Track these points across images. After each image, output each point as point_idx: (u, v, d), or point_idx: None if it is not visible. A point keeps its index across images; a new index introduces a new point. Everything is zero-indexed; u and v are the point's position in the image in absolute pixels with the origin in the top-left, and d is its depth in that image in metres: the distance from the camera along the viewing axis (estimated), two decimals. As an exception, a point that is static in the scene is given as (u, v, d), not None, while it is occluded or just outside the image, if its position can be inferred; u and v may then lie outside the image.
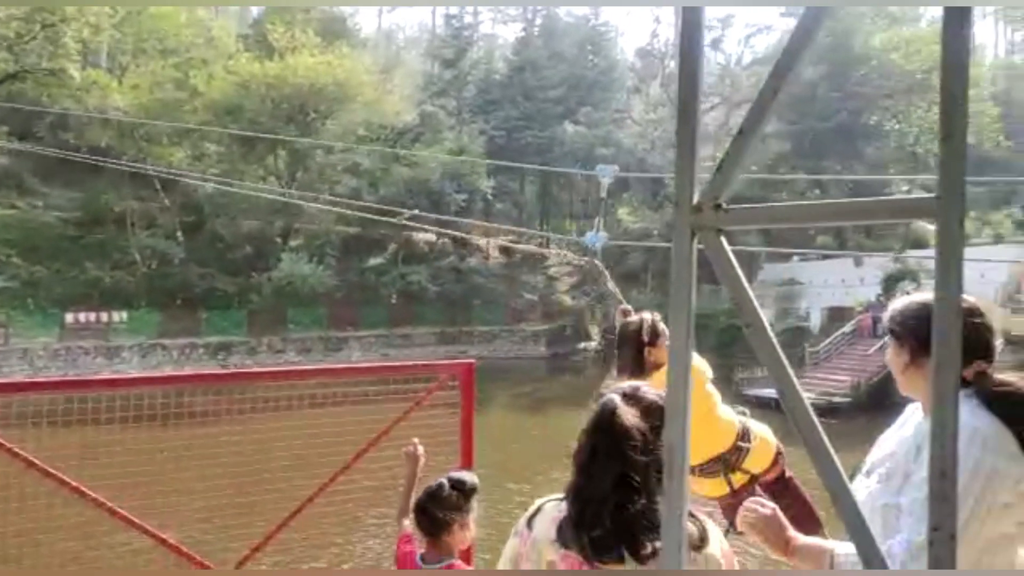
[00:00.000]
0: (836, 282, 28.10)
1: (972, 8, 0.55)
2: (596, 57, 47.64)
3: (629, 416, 1.49)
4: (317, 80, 33.05)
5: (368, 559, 9.95)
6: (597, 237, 5.98)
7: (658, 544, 1.39)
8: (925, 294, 1.81)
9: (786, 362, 0.64)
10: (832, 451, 0.63)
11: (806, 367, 23.67)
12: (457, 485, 2.41)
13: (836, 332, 24.87)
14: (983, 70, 42.11)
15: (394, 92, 41.77)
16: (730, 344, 26.58)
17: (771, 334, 0.64)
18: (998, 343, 1.71)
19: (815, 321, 27.37)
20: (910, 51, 32.75)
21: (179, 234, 33.17)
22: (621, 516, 1.45)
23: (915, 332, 1.71)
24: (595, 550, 1.46)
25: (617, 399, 1.54)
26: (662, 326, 3.00)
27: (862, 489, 1.70)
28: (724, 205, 0.67)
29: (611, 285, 4.19)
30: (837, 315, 26.69)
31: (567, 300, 40.04)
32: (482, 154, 38.00)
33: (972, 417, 1.55)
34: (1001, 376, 1.62)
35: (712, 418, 2.98)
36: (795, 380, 0.64)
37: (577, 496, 1.53)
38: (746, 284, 0.66)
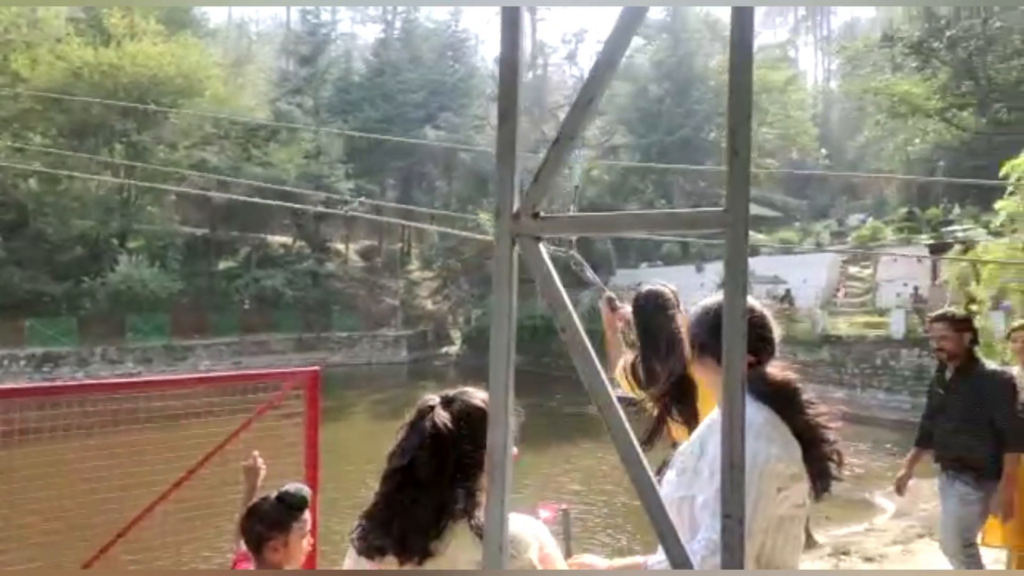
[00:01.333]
0: (679, 287, 29.87)
1: (753, 35, 0.60)
2: (457, 63, 47.95)
3: (438, 418, 1.51)
4: (160, 71, 30.89)
5: (218, 581, 9.40)
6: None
7: (433, 546, 1.42)
8: (710, 299, 1.93)
9: (598, 364, 0.67)
10: (640, 450, 0.66)
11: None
12: (283, 498, 2.31)
13: (681, 333, 26.47)
14: (805, 95, 46.53)
15: (246, 87, 39.89)
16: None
17: (584, 337, 0.67)
18: (775, 335, 1.84)
19: (663, 323, 29.01)
20: (742, 73, 35.61)
21: (-4, 234, 29.86)
22: (388, 510, 1.46)
23: (696, 335, 1.85)
24: (367, 544, 1.48)
25: (435, 400, 1.56)
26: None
27: (666, 483, 1.82)
28: (542, 213, 0.69)
29: (591, 275, 4.15)
30: (682, 317, 28.46)
31: (428, 304, 39.92)
32: (340, 155, 37.10)
33: (747, 409, 1.67)
34: (767, 369, 1.75)
35: None
36: (606, 381, 0.67)
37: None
38: (562, 290, 0.68)
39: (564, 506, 5.53)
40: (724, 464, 0.63)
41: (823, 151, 40.93)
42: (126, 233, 32.47)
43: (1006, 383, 4.18)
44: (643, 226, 0.70)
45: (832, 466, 1.72)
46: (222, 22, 57.71)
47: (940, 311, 4.75)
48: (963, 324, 4.32)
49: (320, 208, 24.19)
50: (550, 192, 0.72)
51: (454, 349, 36.03)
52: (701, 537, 1.56)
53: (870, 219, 32.30)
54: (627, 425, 0.67)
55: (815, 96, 53.31)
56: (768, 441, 1.62)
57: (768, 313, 1.87)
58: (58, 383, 21.66)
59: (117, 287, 28.99)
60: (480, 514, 1.42)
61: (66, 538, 4.56)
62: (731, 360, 0.62)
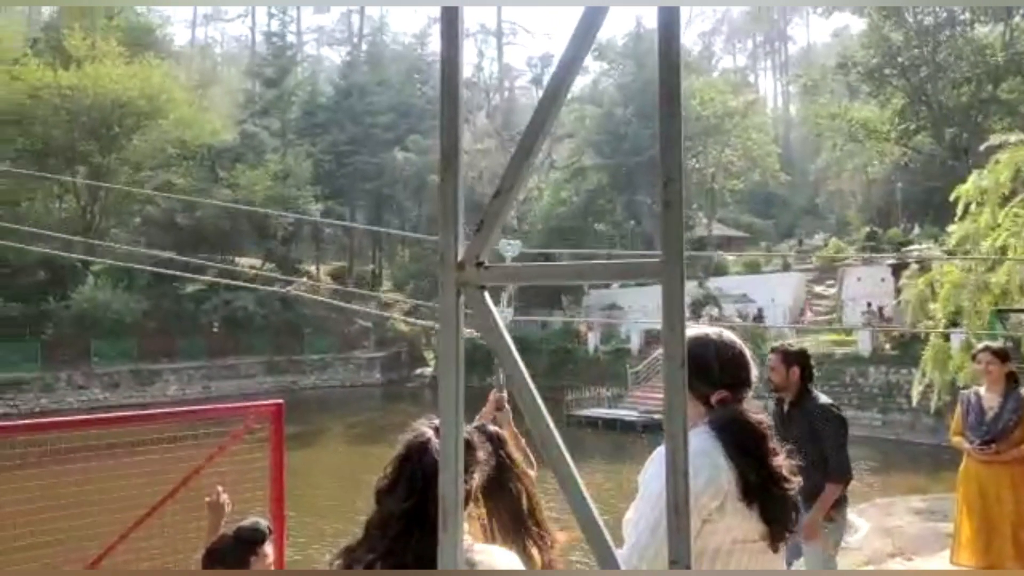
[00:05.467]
0: (652, 307, 30.07)
1: (679, 42, 0.62)
2: (424, 86, 48.09)
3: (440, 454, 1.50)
4: (123, 93, 30.56)
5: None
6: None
7: None
8: (689, 331, 1.95)
9: (543, 407, 0.68)
10: (576, 473, 0.67)
11: (629, 387, 25.09)
12: (238, 536, 2.27)
13: (653, 354, 26.59)
14: (765, 119, 47.59)
15: (211, 109, 39.61)
16: (559, 367, 27.62)
17: (529, 381, 0.67)
18: (753, 370, 1.84)
19: (635, 343, 29.05)
20: (704, 99, 36.21)
21: (-49, 258, 29.05)
22: (399, 555, 1.43)
23: None
24: None
25: (429, 432, 1.54)
26: None
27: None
28: (486, 263, 0.70)
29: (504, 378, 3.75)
30: (653, 338, 28.57)
31: (401, 325, 39.64)
32: (309, 177, 36.89)
33: (692, 440, 1.68)
34: (741, 407, 1.74)
35: None
36: (550, 422, 0.67)
37: (366, 527, 1.51)
38: (508, 337, 0.69)
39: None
40: (669, 508, 0.63)
41: (785, 173, 41.83)
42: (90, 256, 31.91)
43: (835, 417, 4.23)
44: (583, 275, 0.72)
45: (789, 517, 1.69)
46: (185, 44, 57.31)
47: (777, 344, 4.78)
48: (793, 358, 4.32)
49: (282, 285, 23.90)
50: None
51: (429, 370, 35.78)
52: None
53: (833, 238, 32.97)
54: (563, 447, 0.68)
55: (775, 120, 54.57)
56: (694, 474, 1.63)
57: (746, 349, 1.86)
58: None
59: (81, 310, 28.36)
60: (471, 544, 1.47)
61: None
62: (673, 407, 0.63)
